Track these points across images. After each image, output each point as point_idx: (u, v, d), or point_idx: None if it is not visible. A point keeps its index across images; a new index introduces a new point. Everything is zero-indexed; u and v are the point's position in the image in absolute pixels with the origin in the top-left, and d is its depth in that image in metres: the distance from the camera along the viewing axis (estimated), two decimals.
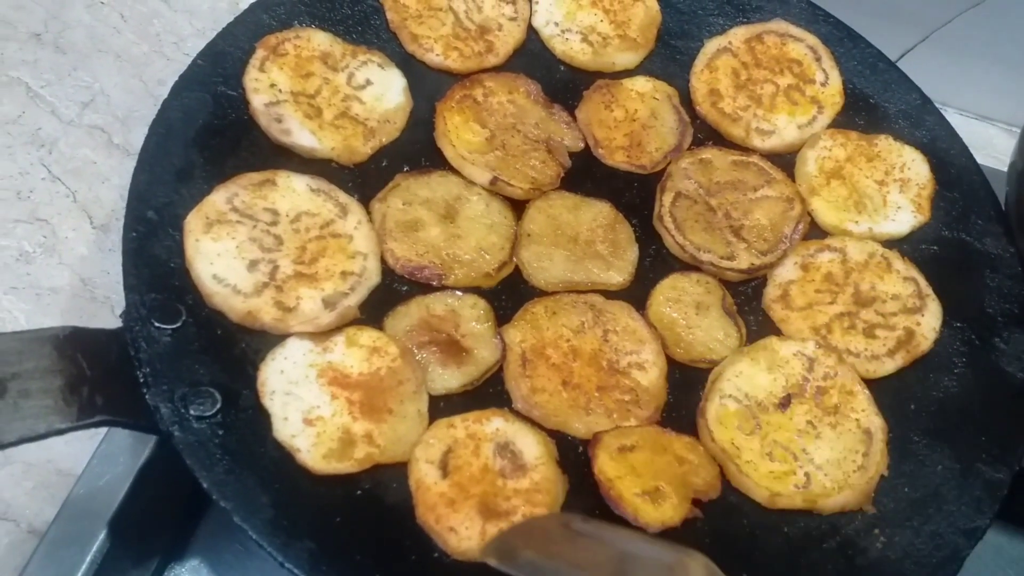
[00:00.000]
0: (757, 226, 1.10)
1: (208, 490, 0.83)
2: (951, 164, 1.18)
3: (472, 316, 0.99)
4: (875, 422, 0.97)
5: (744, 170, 1.14)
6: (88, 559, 0.99)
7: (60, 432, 0.82)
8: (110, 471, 1.03)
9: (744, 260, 1.07)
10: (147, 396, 0.86)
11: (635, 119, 1.17)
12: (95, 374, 0.86)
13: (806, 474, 0.94)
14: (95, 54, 1.42)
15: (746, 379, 0.98)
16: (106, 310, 1.20)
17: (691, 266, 1.07)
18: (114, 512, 1.01)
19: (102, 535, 0.99)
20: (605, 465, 0.90)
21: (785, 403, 0.97)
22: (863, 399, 0.98)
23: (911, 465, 0.98)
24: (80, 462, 1.04)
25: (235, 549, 1.04)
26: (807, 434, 0.96)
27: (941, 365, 1.04)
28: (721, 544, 0.91)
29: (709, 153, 1.15)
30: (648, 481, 0.91)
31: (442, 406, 0.94)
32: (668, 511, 0.90)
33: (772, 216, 1.11)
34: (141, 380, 0.86)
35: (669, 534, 0.89)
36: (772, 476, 0.93)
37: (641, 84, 1.19)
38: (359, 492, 0.88)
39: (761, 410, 0.97)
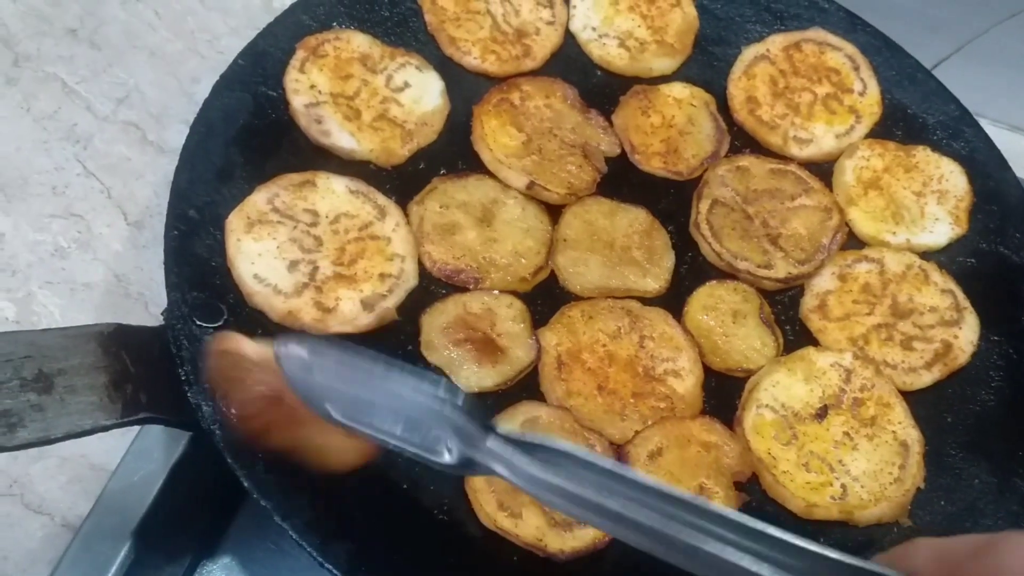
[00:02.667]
0: (795, 235, 1.10)
1: (249, 489, 0.83)
2: (989, 176, 1.17)
3: (508, 316, 1.00)
4: (912, 435, 0.97)
5: (782, 178, 1.14)
6: (122, 554, 0.99)
7: (105, 428, 0.82)
8: (144, 467, 1.03)
9: (781, 269, 1.07)
10: (189, 394, 0.86)
11: (672, 125, 1.16)
12: (138, 371, 0.86)
13: (842, 485, 0.94)
14: (130, 51, 1.42)
15: (783, 389, 0.98)
16: (140, 306, 1.20)
17: (728, 274, 1.07)
18: (147, 508, 1.01)
19: (135, 531, 1.00)
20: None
21: (822, 414, 0.97)
22: (900, 411, 0.98)
23: (948, 479, 0.97)
24: (114, 458, 1.04)
25: (267, 547, 1.05)
26: (843, 445, 0.96)
27: (978, 378, 1.03)
28: None
29: (746, 161, 1.15)
30: (690, 482, 0.91)
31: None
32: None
33: (810, 225, 1.11)
34: (183, 378, 0.86)
35: None
36: (808, 487, 0.93)
37: (678, 90, 1.19)
38: (398, 493, 0.88)
39: (798, 421, 0.97)
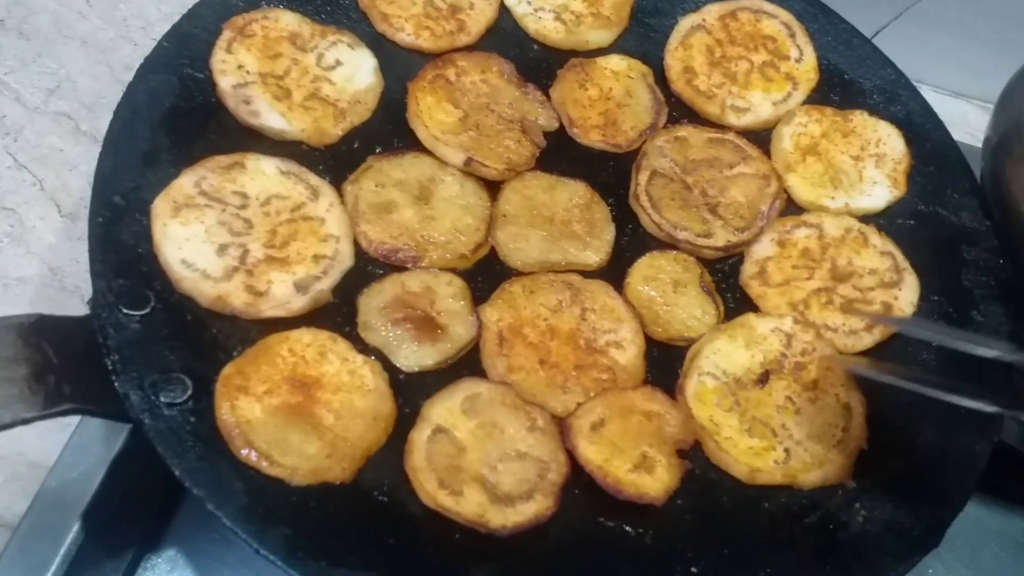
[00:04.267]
0: (733, 203, 1.09)
1: (180, 478, 0.81)
2: (926, 139, 1.17)
3: (448, 293, 0.98)
4: (854, 396, 0.97)
5: (720, 147, 1.13)
6: (62, 552, 0.97)
7: (26, 421, 0.80)
8: (83, 462, 1.01)
9: (721, 237, 1.07)
10: (116, 384, 0.84)
11: (610, 98, 1.15)
12: (62, 362, 0.84)
13: (786, 450, 0.94)
14: (60, 40, 1.39)
15: (724, 356, 0.98)
16: (76, 299, 1.18)
17: (668, 245, 1.07)
18: (88, 503, 0.99)
19: (76, 527, 0.98)
20: (588, 452, 0.90)
21: (763, 379, 0.97)
22: (841, 374, 0.98)
23: (890, 439, 0.97)
24: (52, 454, 1.02)
25: (212, 538, 1.03)
26: (786, 410, 0.96)
27: (919, 339, 1.03)
28: (703, 521, 0.91)
29: (684, 131, 1.14)
30: (632, 452, 0.91)
31: (415, 383, 0.93)
32: (664, 475, 0.90)
33: (748, 193, 1.10)
34: (110, 367, 0.84)
35: (651, 513, 0.89)
36: (752, 452, 0.93)
37: (615, 63, 1.18)
38: None
39: (740, 387, 0.97)
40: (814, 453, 0.94)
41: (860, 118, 1.16)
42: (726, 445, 0.93)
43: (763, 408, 0.96)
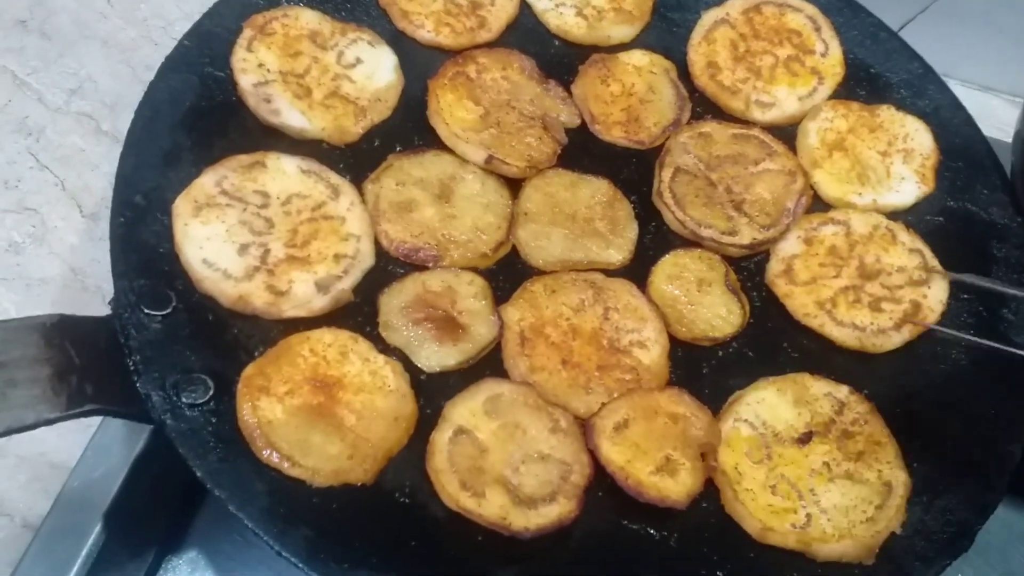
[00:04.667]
0: (759, 200, 1.08)
1: (202, 479, 0.81)
2: (955, 134, 1.15)
3: (469, 293, 0.97)
4: (899, 477, 0.92)
5: (745, 143, 1.12)
6: (84, 552, 0.97)
7: (49, 422, 0.80)
8: (104, 463, 1.01)
9: (746, 235, 1.05)
10: (138, 384, 0.84)
11: (632, 93, 1.14)
12: (84, 362, 0.84)
13: (808, 515, 0.89)
14: (81, 40, 1.39)
15: (768, 408, 0.94)
16: (98, 299, 1.18)
17: (692, 243, 1.05)
18: (109, 504, 0.99)
19: (97, 528, 0.98)
20: (610, 453, 0.88)
21: (805, 439, 0.93)
22: (891, 451, 0.93)
23: (920, 440, 0.95)
24: (74, 454, 1.02)
25: (233, 539, 1.03)
26: (820, 475, 0.91)
27: (949, 338, 1.01)
28: (728, 524, 0.89)
29: (708, 127, 1.13)
30: (656, 454, 0.89)
31: (437, 383, 0.92)
32: (687, 479, 0.88)
33: (774, 190, 1.09)
34: (131, 368, 0.84)
35: (676, 516, 0.88)
36: (770, 510, 0.89)
37: (638, 58, 1.17)
38: None
39: (776, 441, 0.92)
40: (837, 525, 0.88)
41: (887, 113, 1.14)
42: (744, 497, 0.89)
43: (795, 468, 0.91)
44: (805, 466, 0.91)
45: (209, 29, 1.06)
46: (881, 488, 0.91)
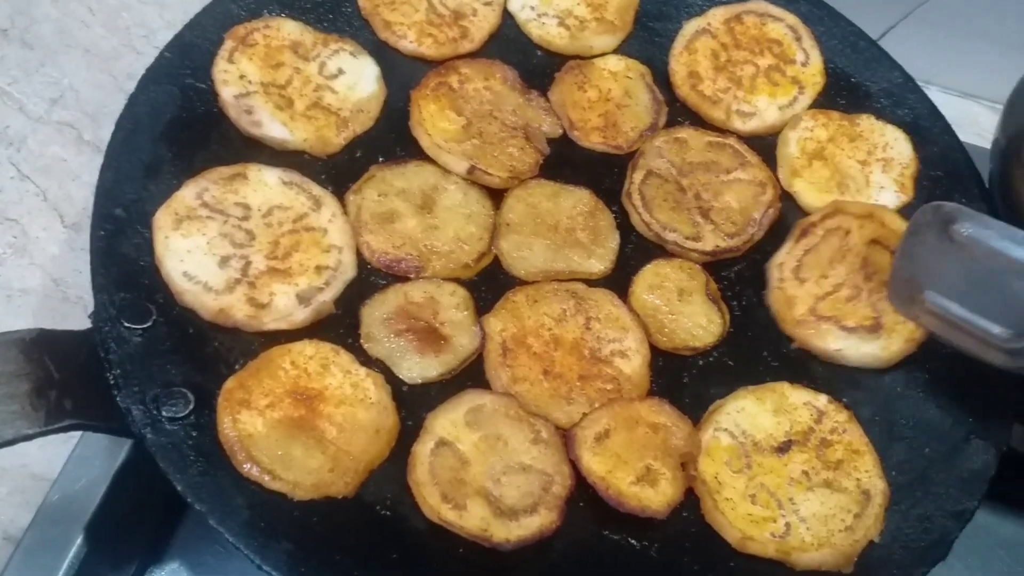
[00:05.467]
0: (726, 208, 1.08)
1: (182, 493, 0.81)
2: (934, 143, 1.16)
3: (451, 304, 0.98)
4: (877, 485, 0.92)
5: (719, 152, 1.12)
6: (65, 565, 0.97)
7: (28, 438, 0.80)
8: (86, 475, 1.01)
9: (710, 242, 1.06)
10: (118, 398, 0.84)
11: (609, 99, 1.15)
12: (63, 377, 0.84)
13: (787, 524, 0.89)
14: (63, 49, 1.39)
15: (747, 416, 0.94)
16: (79, 310, 1.18)
17: (674, 252, 1.06)
18: (91, 516, 0.99)
19: (79, 540, 0.98)
20: (591, 463, 0.89)
21: (784, 448, 0.93)
22: (870, 460, 0.93)
23: (899, 448, 0.96)
24: (55, 466, 1.02)
25: (215, 551, 1.03)
26: (799, 484, 0.91)
27: (928, 348, 1.02)
28: (709, 534, 0.90)
29: (685, 133, 1.13)
30: (636, 464, 0.90)
31: (418, 395, 0.92)
32: (668, 489, 0.89)
33: (743, 199, 1.09)
34: (111, 382, 0.84)
35: (657, 526, 0.88)
36: (749, 519, 0.89)
37: (613, 63, 1.17)
38: None
39: (756, 450, 0.93)
40: (816, 533, 0.89)
41: (867, 122, 1.15)
42: (724, 506, 0.89)
43: (774, 477, 0.91)
44: (784, 475, 0.92)
45: (190, 40, 1.06)
46: (859, 497, 0.91)
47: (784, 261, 1.04)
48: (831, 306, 1.01)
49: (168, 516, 1.04)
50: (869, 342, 1.00)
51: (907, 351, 1.00)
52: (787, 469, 0.92)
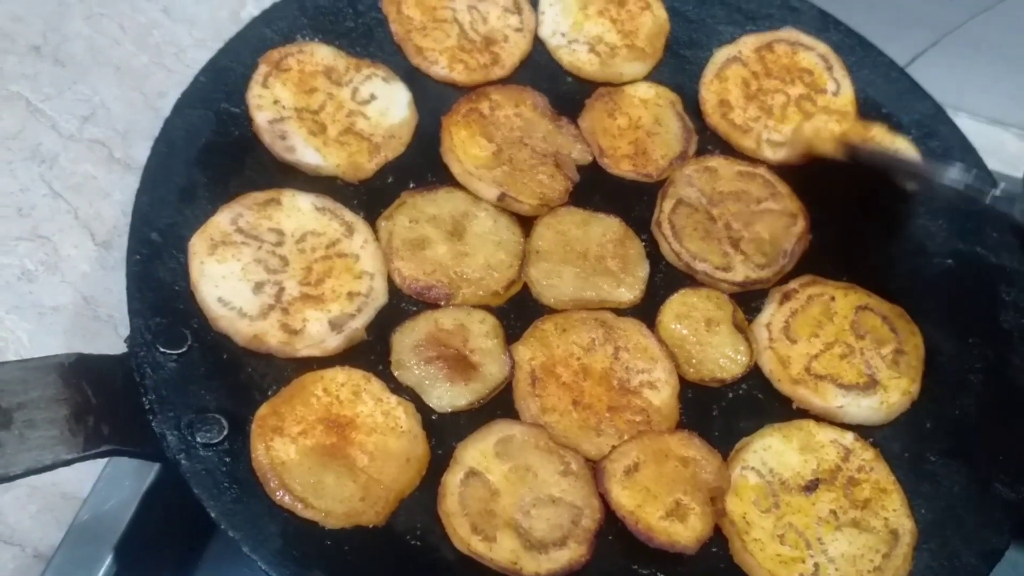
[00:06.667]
0: (757, 239, 1.08)
1: (216, 520, 0.82)
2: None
3: (481, 331, 0.98)
4: (905, 525, 0.92)
5: (750, 181, 1.12)
6: None
7: (67, 463, 0.81)
8: (116, 495, 1.02)
9: (740, 272, 1.06)
10: (153, 423, 0.84)
11: (639, 126, 1.15)
12: (100, 402, 0.84)
13: (815, 564, 0.89)
14: (95, 66, 1.40)
15: (774, 455, 0.94)
16: (109, 328, 1.19)
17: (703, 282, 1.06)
18: (120, 536, 0.99)
19: (108, 559, 0.98)
20: (620, 497, 0.89)
21: (812, 487, 0.93)
22: (897, 499, 0.93)
23: (928, 486, 0.96)
24: (85, 486, 1.03)
25: (242, 573, 1.03)
26: (827, 523, 0.91)
27: (957, 383, 1.02)
28: (740, 570, 0.90)
29: (715, 161, 1.13)
30: (666, 498, 0.90)
31: (448, 424, 0.92)
32: (697, 524, 0.89)
33: (773, 230, 1.09)
34: (147, 407, 0.85)
35: (686, 560, 0.88)
36: (778, 560, 0.89)
37: (644, 90, 1.17)
38: None
39: (784, 489, 0.93)
40: (845, 574, 0.88)
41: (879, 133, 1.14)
42: (753, 547, 0.89)
43: (803, 516, 0.91)
44: (812, 514, 0.92)
45: (225, 65, 1.07)
46: (888, 536, 0.91)
47: (771, 322, 1.03)
48: (826, 365, 1.01)
49: (197, 536, 1.05)
50: (868, 397, 0.99)
51: (903, 406, 1.00)
52: (815, 508, 0.92)
